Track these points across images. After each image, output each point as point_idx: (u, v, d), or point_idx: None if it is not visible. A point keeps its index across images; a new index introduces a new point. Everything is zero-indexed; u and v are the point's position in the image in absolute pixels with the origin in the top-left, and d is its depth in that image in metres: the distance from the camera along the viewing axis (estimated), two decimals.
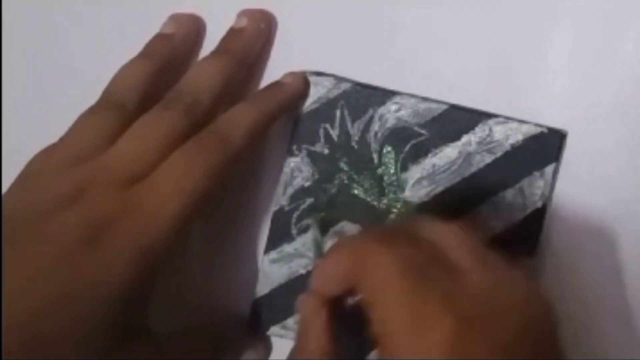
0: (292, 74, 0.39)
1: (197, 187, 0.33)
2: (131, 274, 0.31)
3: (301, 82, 0.38)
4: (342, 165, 0.39)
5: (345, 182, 0.39)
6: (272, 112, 0.37)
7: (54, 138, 0.36)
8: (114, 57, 0.38)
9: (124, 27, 0.41)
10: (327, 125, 0.39)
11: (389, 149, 0.38)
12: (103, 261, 0.31)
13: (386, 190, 0.38)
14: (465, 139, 0.38)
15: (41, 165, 0.34)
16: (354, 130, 0.39)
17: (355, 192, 0.39)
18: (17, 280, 0.30)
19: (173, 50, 0.39)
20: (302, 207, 0.39)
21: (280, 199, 0.39)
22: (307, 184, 0.39)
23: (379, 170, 0.38)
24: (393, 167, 0.38)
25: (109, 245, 0.31)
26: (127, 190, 0.32)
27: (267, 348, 0.40)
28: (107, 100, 0.36)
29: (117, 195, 0.32)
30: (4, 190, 0.38)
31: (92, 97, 0.37)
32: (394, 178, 0.38)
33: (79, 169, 0.33)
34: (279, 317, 0.39)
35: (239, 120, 0.35)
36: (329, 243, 0.39)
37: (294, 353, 0.35)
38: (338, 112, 0.39)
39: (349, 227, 0.39)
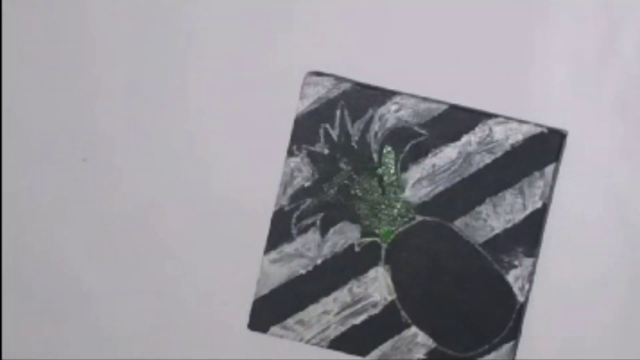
0: None
1: None
2: None
3: None
4: (342, 165, 0.39)
5: (345, 182, 0.39)
6: None
7: (53, 137, 0.36)
8: (114, 57, 0.38)
9: (123, 27, 0.41)
10: (327, 126, 0.39)
11: (389, 149, 0.38)
12: None
13: (386, 190, 0.38)
14: (465, 139, 0.38)
15: None
16: (354, 130, 0.39)
17: (356, 192, 0.39)
18: None
19: None
20: (302, 207, 0.39)
21: (280, 199, 0.39)
22: (307, 184, 0.39)
23: (379, 170, 0.39)
24: (393, 167, 0.38)
25: None
26: None
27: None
28: None
29: None
30: (4, 190, 0.39)
31: (92, 96, 0.37)
32: (394, 178, 0.38)
33: None
34: (279, 317, 0.39)
35: None
36: (329, 243, 0.39)
37: None
38: (338, 112, 0.39)
39: (349, 227, 0.39)
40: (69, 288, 0.41)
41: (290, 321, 0.39)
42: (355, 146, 0.39)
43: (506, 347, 0.38)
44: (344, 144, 0.39)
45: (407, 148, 0.38)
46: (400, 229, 0.39)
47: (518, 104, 0.38)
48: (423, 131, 0.38)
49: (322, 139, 0.39)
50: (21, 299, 0.41)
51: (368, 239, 0.39)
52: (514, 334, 0.38)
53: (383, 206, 0.39)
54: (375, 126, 0.38)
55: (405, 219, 0.38)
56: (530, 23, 0.38)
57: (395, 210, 0.38)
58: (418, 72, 0.39)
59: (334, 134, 0.39)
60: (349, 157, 0.39)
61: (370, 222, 0.39)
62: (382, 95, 0.38)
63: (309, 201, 0.39)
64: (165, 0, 0.40)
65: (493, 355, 0.38)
